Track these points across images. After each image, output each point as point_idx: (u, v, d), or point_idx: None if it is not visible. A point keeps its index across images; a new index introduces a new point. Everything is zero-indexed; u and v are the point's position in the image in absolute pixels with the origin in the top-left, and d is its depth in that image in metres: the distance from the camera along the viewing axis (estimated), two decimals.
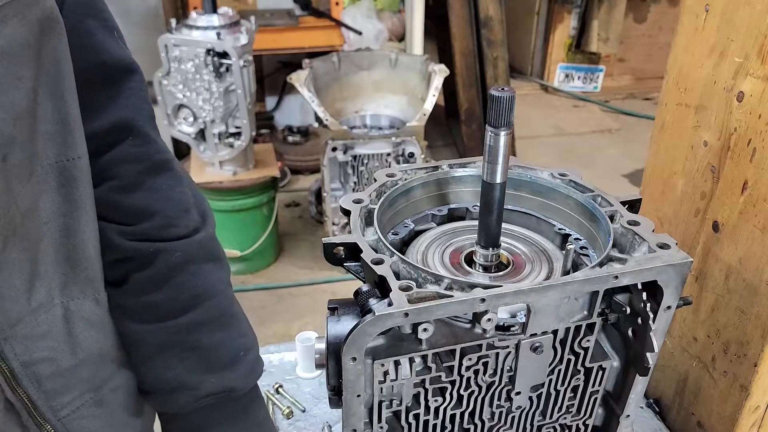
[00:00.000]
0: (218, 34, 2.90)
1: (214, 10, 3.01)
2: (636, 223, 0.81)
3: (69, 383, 0.76)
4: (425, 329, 0.70)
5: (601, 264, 0.75)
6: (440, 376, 0.76)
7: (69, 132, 0.71)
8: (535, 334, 0.76)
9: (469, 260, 0.86)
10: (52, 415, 0.75)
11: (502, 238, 0.84)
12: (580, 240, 0.89)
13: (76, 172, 0.72)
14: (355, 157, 3.08)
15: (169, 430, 0.92)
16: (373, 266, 0.72)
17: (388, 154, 3.09)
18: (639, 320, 0.77)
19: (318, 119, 3.18)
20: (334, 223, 3.29)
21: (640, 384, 0.84)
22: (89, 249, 0.77)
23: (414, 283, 0.69)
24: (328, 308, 0.77)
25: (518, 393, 0.81)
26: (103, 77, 0.79)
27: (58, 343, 0.74)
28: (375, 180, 0.90)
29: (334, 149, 3.03)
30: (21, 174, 0.65)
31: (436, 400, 0.78)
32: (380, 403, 0.76)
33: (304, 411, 1.29)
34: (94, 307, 0.79)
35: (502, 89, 0.72)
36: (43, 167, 0.69)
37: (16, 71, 0.62)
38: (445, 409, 0.79)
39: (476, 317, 0.73)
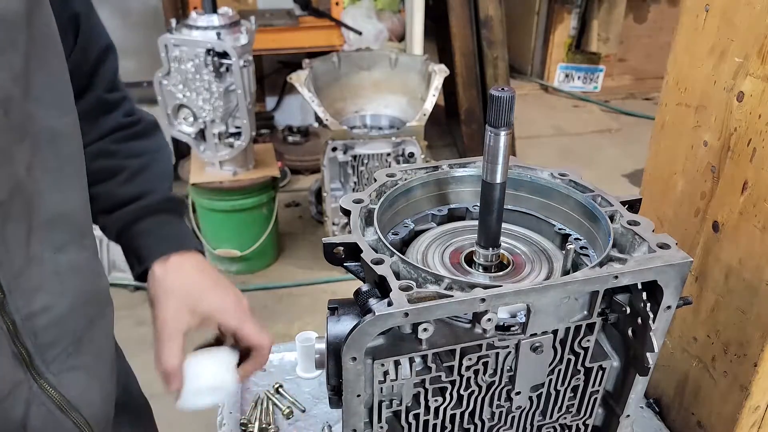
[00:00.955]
0: (218, 34, 2.90)
1: (214, 10, 3.01)
2: (636, 223, 0.81)
3: (59, 334, 0.80)
4: (425, 329, 0.70)
5: (601, 264, 0.75)
6: (440, 376, 0.76)
7: (59, 95, 0.78)
8: (535, 334, 0.76)
9: (469, 260, 0.86)
10: (45, 368, 0.79)
11: (502, 238, 0.84)
12: (580, 240, 0.89)
13: (66, 131, 0.79)
14: (355, 157, 3.08)
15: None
16: (373, 266, 0.72)
17: (388, 154, 3.09)
18: (639, 320, 0.77)
19: (318, 119, 3.18)
20: (334, 223, 3.29)
21: (640, 384, 0.84)
22: (78, 202, 0.83)
23: (414, 283, 0.69)
24: (328, 308, 0.77)
25: (518, 393, 0.81)
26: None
27: (52, 294, 0.78)
28: (375, 180, 0.90)
29: (334, 149, 3.03)
30: (19, 133, 0.71)
31: (436, 400, 0.78)
32: (380, 403, 0.76)
33: (304, 411, 1.29)
34: (81, 254, 0.84)
35: (502, 89, 0.72)
36: (36, 128, 0.74)
37: (12, 36, 0.68)
38: (445, 409, 0.79)
39: (476, 317, 0.73)
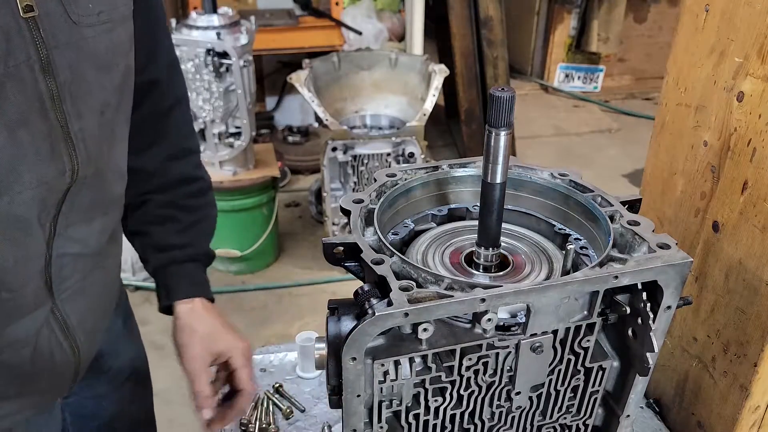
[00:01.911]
0: (218, 34, 2.90)
1: (214, 10, 3.01)
2: (636, 223, 0.81)
3: (73, 270, 0.98)
4: (425, 329, 0.70)
5: (601, 264, 0.75)
6: (440, 376, 0.76)
7: (129, 112, 1.04)
8: (535, 334, 0.76)
9: (469, 260, 0.86)
10: (58, 295, 0.97)
11: (502, 238, 0.84)
12: (580, 240, 0.89)
13: (126, 137, 1.05)
14: (355, 157, 3.08)
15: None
16: (373, 266, 0.72)
17: (388, 154, 3.09)
18: (639, 320, 0.77)
19: (318, 119, 3.18)
20: (334, 223, 3.29)
21: (640, 384, 0.84)
22: (124, 189, 1.07)
23: (414, 283, 0.69)
24: (328, 308, 0.77)
25: (518, 393, 0.81)
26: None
27: (83, 244, 0.98)
28: (375, 180, 0.90)
29: (334, 149, 3.03)
30: (107, 131, 0.96)
31: (436, 400, 0.78)
32: (380, 403, 0.76)
33: (303, 411, 1.29)
34: (115, 223, 1.08)
35: (502, 89, 0.72)
36: (116, 131, 0.99)
37: (118, 59, 0.94)
38: (445, 409, 0.79)
39: (476, 317, 0.73)
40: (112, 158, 0.99)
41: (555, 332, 0.77)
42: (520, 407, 0.84)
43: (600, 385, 0.85)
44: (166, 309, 1.18)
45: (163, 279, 1.19)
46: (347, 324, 0.73)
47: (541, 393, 0.84)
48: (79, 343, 1.03)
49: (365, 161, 3.09)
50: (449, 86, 4.30)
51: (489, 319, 0.72)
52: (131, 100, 1.02)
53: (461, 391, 0.78)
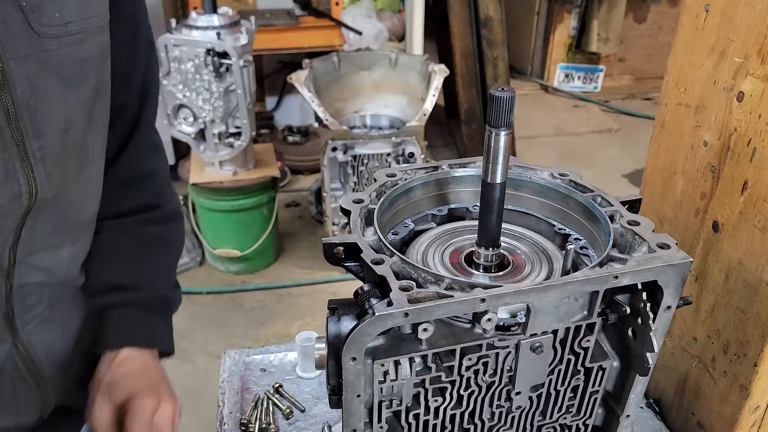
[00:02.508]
0: (218, 34, 2.90)
1: (214, 10, 3.02)
2: (636, 223, 0.81)
3: (39, 299, 0.91)
4: (425, 329, 0.70)
5: (601, 264, 0.75)
6: (440, 376, 0.76)
7: (105, 129, 0.96)
8: (535, 334, 0.76)
9: (469, 260, 0.86)
10: (21, 327, 0.90)
11: (502, 238, 0.84)
12: (580, 240, 0.89)
13: (101, 156, 0.97)
14: (355, 157, 3.08)
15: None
16: (373, 266, 0.72)
17: (388, 154, 3.09)
18: (639, 320, 0.77)
19: (318, 119, 3.18)
20: (334, 223, 3.29)
21: (640, 384, 0.84)
22: (94, 212, 0.98)
23: (414, 283, 0.69)
24: (328, 308, 0.77)
25: (518, 393, 0.81)
26: None
27: (48, 273, 0.91)
28: (375, 180, 0.90)
29: (334, 149, 3.03)
30: (73, 150, 0.88)
31: (436, 400, 0.78)
32: (380, 403, 0.76)
33: (303, 411, 1.29)
34: (80, 249, 0.98)
35: (502, 89, 0.72)
36: (86, 150, 0.91)
37: (87, 73, 0.86)
38: (445, 409, 0.79)
39: (476, 317, 0.73)
40: (81, 179, 0.91)
41: (555, 332, 0.77)
42: (520, 407, 0.84)
43: (600, 385, 0.85)
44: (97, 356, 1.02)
45: (101, 320, 1.02)
46: (347, 324, 0.73)
47: (541, 393, 0.84)
48: (45, 378, 0.95)
49: (365, 161, 3.09)
50: (449, 86, 4.30)
51: (489, 319, 0.72)
52: (107, 116, 0.94)
53: (461, 391, 0.78)
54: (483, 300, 0.68)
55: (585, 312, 0.79)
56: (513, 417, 0.85)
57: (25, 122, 0.78)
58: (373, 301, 0.68)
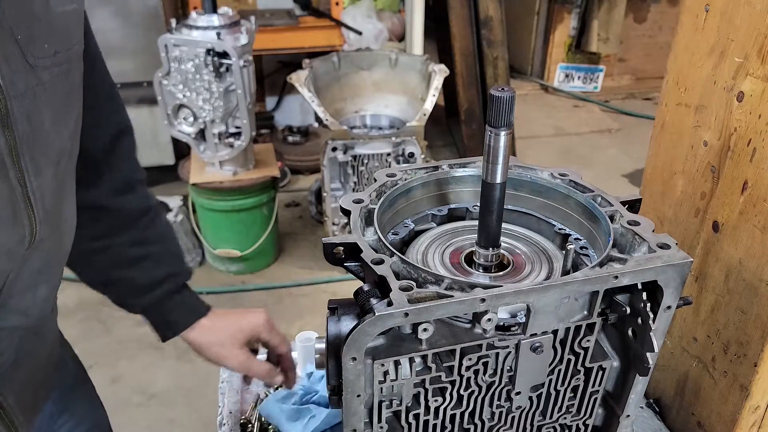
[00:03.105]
0: (218, 34, 2.90)
1: (214, 10, 3.01)
2: (636, 223, 0.81)
3: (9, 344, 0.85)
4: (425, 329, 0.70)
5: (601, 264, 0.75)
6: (440, 376, 0.76)
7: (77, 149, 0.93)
8: (535, 334, 0.76)
9: (469, 260, 0.86)
10: None
11: (502, 238, 0.84)
12: (580, 240, 0.89)
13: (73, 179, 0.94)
14: (355, 157, 3.08)
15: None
16: (373, 266, 0.72)
17: (388, 154, 3.09)
18: (639, 320, 0.77)
19: (318, 119, 3.18)
20: (334, 223, 3.29)
21: (640, 384, 0.84)
22: (71, 211, 0.93)
23: (414, 283, 0.69)
24: (328, 308, 0.77)
25: (518, 393, 0.81)
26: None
27: (26, 315, 0.86)
28: (375, 180, 0.90)
29: (334, 149, 3.03)
30: (63, 180, 0.86)
31: (436, 400, 0.78)
32: (380, 403, 0.76)
33: None
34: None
35: (502, 89, 0.72)
36: (68, 180, 0.90)
37: (72, 101, 0.85)
38: (445, 409, 0.79)
39: (476, 317, 0.73)
40: (64, 214, 0.88)
41: (555, 332, 0.77)
42: (520, 407, 0.84)
43: (600, 385, 0.85)
44: (167, 338, 1.16)
45: (160, 315, 1.14)
46: (347, 324, 0.73)
47: (541, 393, 0.84)
48: (17, 424, 0.91)
49: (365, 161, 3.09)
50: (449, 86, 4.30)
51: (489, 319, 0.72)
52: (78, 148, 0.92)
53: (461, 391, 0.78)
54: (483, 300, 0.68)
55: (585, 312, 0.79)
56: (513, 417, 0.85)
57: (26, 160, 0.75)
58: (373, 301, 0.68)
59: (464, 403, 0.80)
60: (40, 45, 0.74)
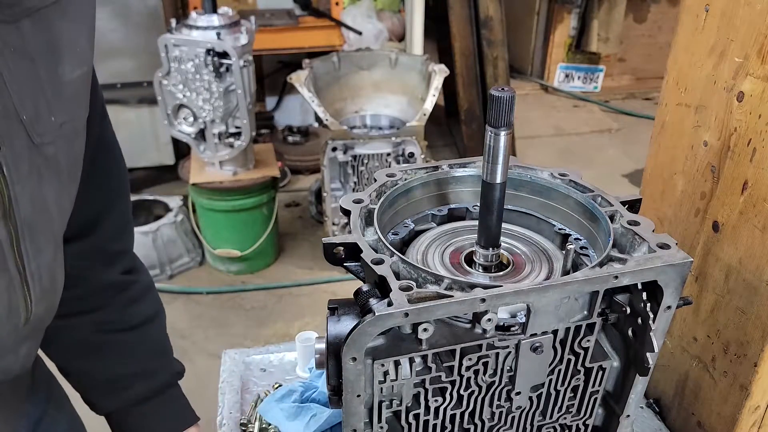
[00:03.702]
0: (218, 34, 2.90)
1: (214, 10, 3.02)
2: (636, 223, 0.81)
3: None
4: (425, 329, 0.70)
5: (601, 264, 0.75)
6: (440, 376, 0.76)
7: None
8: (535, 334, 0.76)
9: (469, 260, 0.86)
10: None
11: (502, 238, 0.84)
12: (580, 240, 0.89)
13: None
14: (355, 157, 3.08)
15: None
16: (373, 266, 0.72)
17: (388, 154, 3.09)
18: (639, 320, 0.77)
19: (318, 119, 3.18)
20: (334, 223, 3.29)
21: (640, 384, 0.84)
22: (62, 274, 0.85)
23: (414, 283, 0.69)
24: (328, 308, 0.77)
25: (518, 393, 0.81)
26: None
27: (5, 373, 0.80)
28: (375, 180, 0.90)
29: (334, 149, 3.03)
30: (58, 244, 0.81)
31: (436, 400, 0.78)
32: (380, 403, 0.76)
33: None
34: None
35: (502, 89, 0.72)
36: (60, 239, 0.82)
37: (71, 189, 0.80)
38: (445, 409, 0.79)
39: (476, 317, 0.73)
40: (57, 277, 0.81)
41: (555, 332, 0.77)
42: (520, 407, 0.84)
43: (600, 385, 0.85)
44: None
45: (125, 423, 0.96)
46: (347, 324, 0.73)
47: (541, 393, 0.84)
48: None
49: (365, 161, 3.09)
50: (449, 86, 4.30)
51: (489, 319, 0.72)
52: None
53: (461, 391, 0.78)
54: (483, 300, 0.68)
55: (585, 312, 0.78)
56: (513, 417, 0.85)
57: (26, 244, 0.70)
58: (373, 301, 0.68)
59: (464, 403, 0.80)
60: (46, 120, 0.69)
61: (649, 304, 0.76)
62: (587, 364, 0.82)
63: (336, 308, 0.76)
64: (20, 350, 0.80)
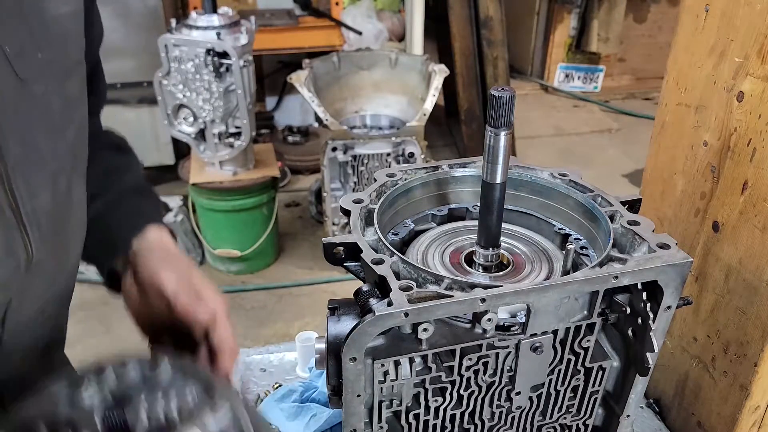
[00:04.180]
0: (218, 34, 2.90)
1: (214, 10, 3.01)
2: (636, 223, 0.81)
3: (20, 365, 0.81)
4: (425, 329, 0.70)
5: (601, 264, 0.75)
6: (440, 376, 0.76)
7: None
8: (535, 334, 0.76)
9: (469, 260, 0.86)
10: None
11: (502, 238, 0.84)
12: (580, 240, 0.89)
13: (84, 199, 0.88)
14: (355, 157, 3.08)
15: None
16: (373, 266, 0.72)
17: (388, 154, 3.09)
18: (639, 320, 0.77)
19: (318, 119, 3.18)
20: (334, 223, 3.29)
21: (640, 384, 0.84)
22: (77, 227, 0.86)
23: (414, 283, 0.69)
24: (328, 308, 0.77)
25: (518, 393, 0.81)
26: None
27: (36, 339, 0.82)
28: (375, 180, 0.90)
29: (334, 149, 3.03)
30: (64, 200, 0.80)
31: (436, 400, 0.78)
32: (380, 403, 0.76)
33: None
34: None
35: (502, 89, 0.72)
36: (73, 196, 0.83)
37: (72, 113, 0.79)
38: (445, 409, 0.79)
39: (476, 317, 0.73)
40: (68, 228, 0.82)
41: (555, 332, 0.77)
42: (520, 407, 0.84)
43: (600, 385, 0.85)
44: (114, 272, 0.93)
45: (113, 218, 0.93)
46: (347, 324, 0.73)
47: (541, 393, 0.84)
48: None
49: (365, 161, 3.09)
50: (449, 86, 4.30)
51: (489, 319, 0.72)
52: (86, 154, 0.84)
53: (461, 391, 0.78)
54: (483, 300, 0.68)
55: (585, 312, 0.78)
56: (513, 417, 0.85)
57: (18, 186, 0.69)
58: (373, 301, 0.68)
59: (464, 403, 0.80)
60: (30, 55, 0.68)
61: (649, 304, 0.76)
62: (587, 364, 0.82)
63: (336, 308, 0.76)
64: (45, 311, 0.80)
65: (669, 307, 0.77)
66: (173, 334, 0.88)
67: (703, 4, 1.07)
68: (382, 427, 0.79)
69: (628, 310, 0.78)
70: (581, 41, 5.93)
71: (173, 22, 3.00)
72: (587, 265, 0.77)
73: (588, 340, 0.80)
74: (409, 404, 0.78)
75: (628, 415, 0.89)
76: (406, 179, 0.91)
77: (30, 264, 0.73)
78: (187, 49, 2.92)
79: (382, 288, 0.71)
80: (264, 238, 3.45)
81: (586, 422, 0.90)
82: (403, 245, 0.90)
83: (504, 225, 0.85)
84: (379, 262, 0.73)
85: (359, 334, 0.67)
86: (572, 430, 0.91)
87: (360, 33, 4.28)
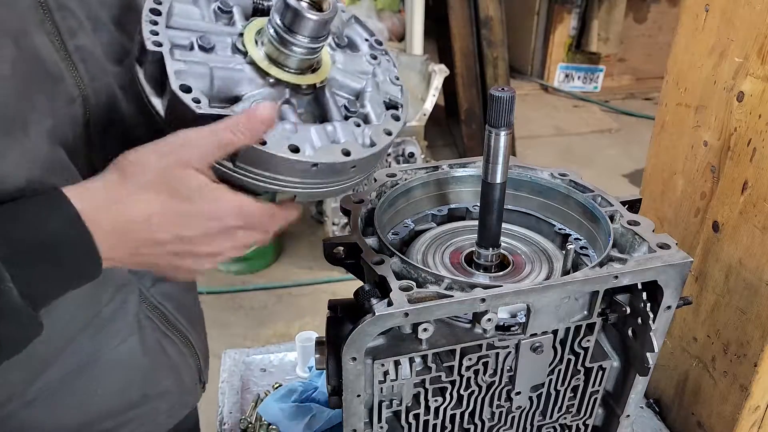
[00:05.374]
0: None
1: None
2: (636, 223, 0.81)
3: None
4: (425, 329, 0.70)
5: (601, 264, 0.75)
6: (440, 376, 0.76)
7: None
8: (535, 334, 0.76)
9: (469, 260, 0.86)
10: (138, 280, 0.89)
11: (502, 238, 0.84)
12: (580, 240, 0.89)
13: None
14: None
15: None
16: (373, 266, 0.72)
17: (388, 154, 3.09)
18: (639, 320, 0.77)
19: None
20: (334, 223, 3.29)
21: (640, 384, 0.84)
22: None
23: (414, 283, 0.69)
24: (328, 308, 0.77)
25: (518, 393, 0.81)
26: None
27: None
28: (375, 180, 0.90)
29: None
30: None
31: (436, 400, 0.78)
32: (380, 403, 0.76)
33: None
34: None
35: (502, 89, 0.72)
36: None
37: None
38: (445, 409, 0.79)
39: (476, 317, 0.73)
40: (113, 84, 0.81)
41: (555, 332, 0.77)
42: (520, 407, 0.84)
43: (600, 385, 0.85)
44: None
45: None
46: (347, 324, 0.73)
47: (541, 393, 0.84)
48: (184, 332, 0.95)
49: None
50: (449, 86, 4.30)
51: (489, 319, 0.72)
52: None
53: (461, 391, 0.78)
54: (483, 300, 0.68)
55: (585, 312, 0.79)
56: (513, 417, 0.85)
57: (57, 20, 0.73)
58: (373, 301, 0.68)
59: (464, 403, 0.80)
60: None
61: (649, 304, 0.76)
62: (587, 364, 0.82)
63: (336, 308, 0.76)
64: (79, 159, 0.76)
65: (669, 307, 0.77)
66: None
67: (703, 4, 1.07)
68: (382, 427, 0.79)
69: (628, 310, 0.78)
70: (581, 41, 5.94)
71: None
72: (587, 265, 0.77)
73: (588, 340, 0.80)
74: (409, 404, 0.78)
75: (628, 415, 0.89)
76: (406, 179, 0.91)
77: (89, 103, 0.76)
78: None
79: (382, 288, 0.71)
80: None
81: (586, 422, 0.90)
82: (403, 245, 0.90)
83: (504, 225, 0.85)
84: (379, 262, 0.73)
85: (359, 334, 0.67)
86: (572, 430, 0.91)
87: None
